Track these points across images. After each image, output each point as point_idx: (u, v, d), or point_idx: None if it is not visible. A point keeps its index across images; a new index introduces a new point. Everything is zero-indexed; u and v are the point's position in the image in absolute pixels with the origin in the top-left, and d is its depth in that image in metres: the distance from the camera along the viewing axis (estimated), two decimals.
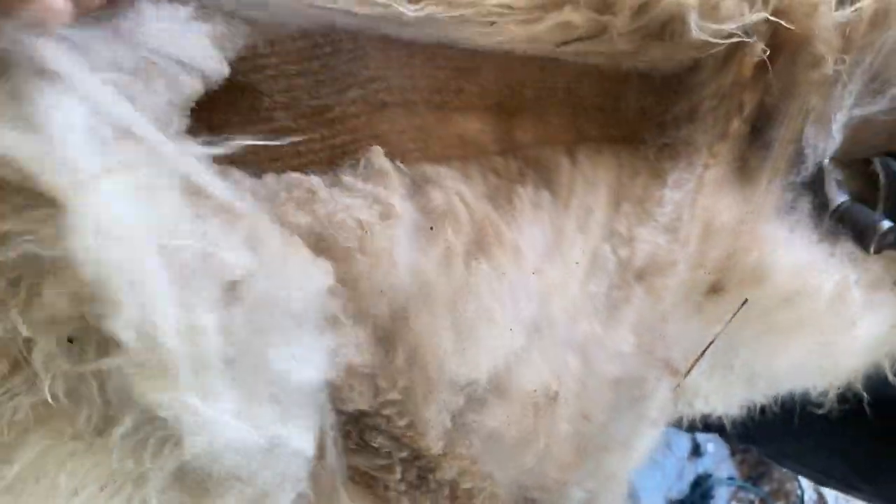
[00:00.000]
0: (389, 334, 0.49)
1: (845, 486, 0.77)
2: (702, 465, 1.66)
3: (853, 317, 0.62)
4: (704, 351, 0.62)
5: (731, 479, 1.67)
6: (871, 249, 0.58)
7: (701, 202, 0.57)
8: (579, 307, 0.56)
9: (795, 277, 0.59)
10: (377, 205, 0.50)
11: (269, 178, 0.49)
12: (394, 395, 0.49)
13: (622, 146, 0.60)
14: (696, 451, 1.66)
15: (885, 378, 0.69)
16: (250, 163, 0.48)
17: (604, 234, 0.57)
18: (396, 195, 0.50)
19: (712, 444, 1.66)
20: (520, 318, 0.53)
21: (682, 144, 0.60)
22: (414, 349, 0.49)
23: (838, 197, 0.60)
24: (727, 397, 0.74)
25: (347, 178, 0.50)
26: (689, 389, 0.71)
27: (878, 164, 0.61)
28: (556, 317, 0.55)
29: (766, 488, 1.71)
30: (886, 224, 0.59)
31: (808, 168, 0.59)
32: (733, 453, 1.69)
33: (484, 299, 0.51)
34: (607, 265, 0.56)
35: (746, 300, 0.59)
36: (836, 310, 0.61)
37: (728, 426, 0.86)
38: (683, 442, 1.63)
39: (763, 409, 0.80)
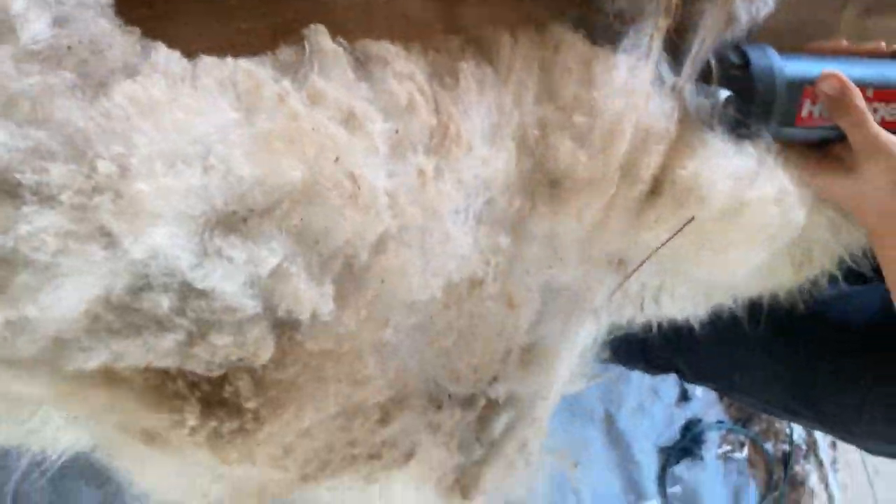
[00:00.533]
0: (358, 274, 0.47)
1: (789, 414, 0.80)
2: (690, 410, 1.67)
3: (789, 222, 0.61)
4: (645, 260, 0.61)
5: (720, 422, 1.68)
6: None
7: (634, 102, 0.56)
8: (514, 186, 0.55)
9: (730, 186, 0.58)
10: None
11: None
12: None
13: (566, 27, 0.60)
14: (684, 396, 1.67)
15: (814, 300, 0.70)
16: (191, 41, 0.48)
17: (535, 113, 0.55)
18: (368, 112, 0.47)
19: (700, 389, 1.67)
20: (469, 218, 0.52)
21: (627, 20, 0.60)
22: (382, 285, 0.48)
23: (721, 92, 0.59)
24: (676, 301, 0.75)
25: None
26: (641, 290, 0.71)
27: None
28: (497, 200, 0.54)
29: (756, 429, 1.72)
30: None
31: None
32: (721, 397, 1.70)
33: (446, 222, 0.50)
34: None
35: (693, 217, 0.58)
36: (770, 216, 0.60)
37: (682, 366, 0.87)
38: (671, 388, 1.64)
39: (710, 346, 0.81)
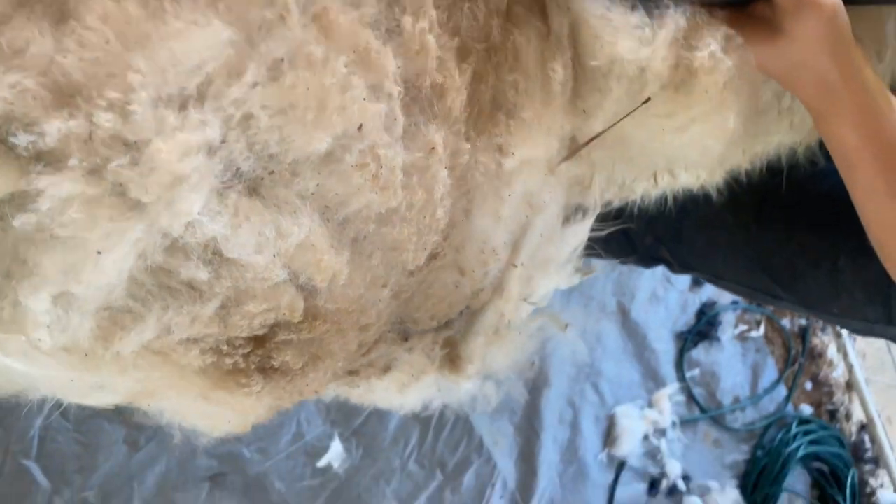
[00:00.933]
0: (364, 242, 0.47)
1: (771, 297, 0.78)
2: (704, 295, 1.67)
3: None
4: (591, 140, 0.57)
5: (735, 303, 1.68)
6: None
7: None
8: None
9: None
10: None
11: None
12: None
13: None
14: (698, 281, 1.66)
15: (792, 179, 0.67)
16: None
17: None
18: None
19: None
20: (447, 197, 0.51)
21: None
22: (385, 254, 0.48)
23: None
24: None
25: None
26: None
27: None
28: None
29: (771, 307, 1.72)
30: None
31: None
32: None
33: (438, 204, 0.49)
34: None
35: (649, 98, 0.53)
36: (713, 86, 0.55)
37: (667, 256, 0.86)
38: (682, 276, 1.63)
39: (692, 233, 0.80)
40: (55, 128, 0.32)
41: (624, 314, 1.57)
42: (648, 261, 0.87)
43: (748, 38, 0.51)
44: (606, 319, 1.57)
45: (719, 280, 0.83)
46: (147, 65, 0.33)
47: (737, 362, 1.68)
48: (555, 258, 0.67)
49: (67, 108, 0.32)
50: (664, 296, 1.61)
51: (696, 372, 1.63)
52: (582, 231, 0.70)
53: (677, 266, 0.85)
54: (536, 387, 1.47)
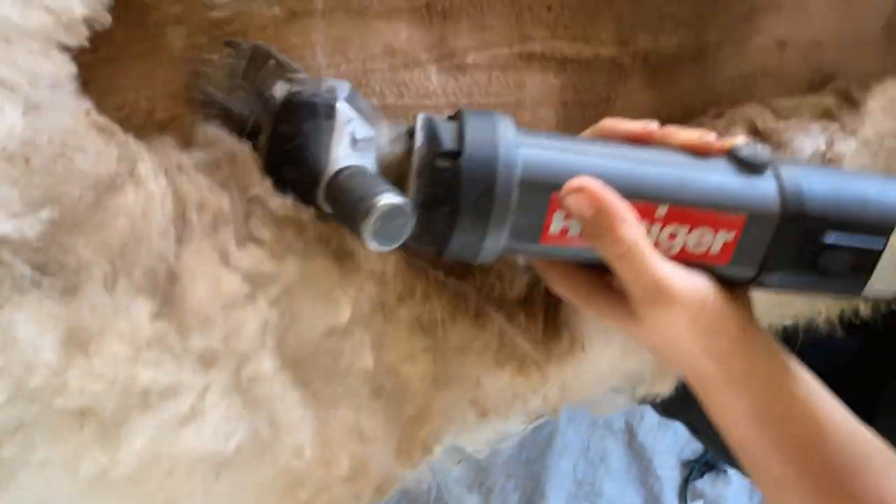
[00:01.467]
0: None
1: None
2: None
3: None
4: None
5: None
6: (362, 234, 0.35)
7: None
8: None
9: None
10: None
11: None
12: None
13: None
14: None
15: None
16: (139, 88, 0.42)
17: None
18: None
19: None
20: None
21: None
22: None
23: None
24: None
25: None
26: None
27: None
28: None
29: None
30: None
31: None
32: None
33: None
34: None
35: None
36: None
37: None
38: None
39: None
40: None
41: (631, 434, 1.52)
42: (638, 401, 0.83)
43: (604, 314, 0.43)
44: (612, 437, 1.51)
45: (698, 434, 0.79)
46: None
47: (744, 498, 1.60)
48: None
49: None
50: (673, 422, 1.55)
51: (699, 503, 1.56)
52: None
53: (661, 409, 0.82)
54: (532, 500, 1.41)
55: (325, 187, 0.39)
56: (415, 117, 0.40)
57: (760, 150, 0.41)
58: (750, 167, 0.40)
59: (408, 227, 0.36)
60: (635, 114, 0.57)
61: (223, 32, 0.45)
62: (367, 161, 0.39)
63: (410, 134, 0.40)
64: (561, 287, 0.44)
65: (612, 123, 0.42)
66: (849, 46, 0.57)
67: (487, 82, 0.52)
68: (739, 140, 0.41)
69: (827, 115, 0.52)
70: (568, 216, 0.39)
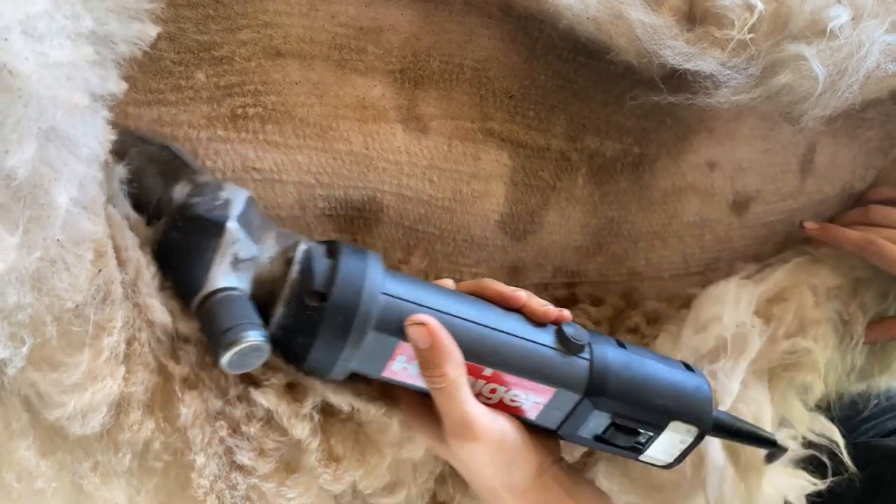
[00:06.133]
0: None
1: None
2: None
3: None
4: None
5: None
6: (220, 360, 0.39)
7: None
8: None
9: None
10: None
11: None
12: None
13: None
14: None
15: None
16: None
17: None
18: None
19: None
20: None
21: None
22: None
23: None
24: None
25: None
26: None
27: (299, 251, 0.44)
28: None
29: None
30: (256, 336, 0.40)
31: None
32: None
33: None
34: None
35: None
36: None
37: None
38: None
39: None
40: None
41: None
42: None
43: (426, 435, 0.48)
44: None
45: None
46: None
47: None
48: None
49: None
50: None
51: None
52: None
53: None
54: None
55: (198, 301, 0.42)
56: (296, 244, 0.45)
57: (581, 333, 0.48)
58: (570, 346, 0.47)
59: (262, 360, 0.40)
60: (577, 204, 0.61)
61: (210, 56, 0.48)
62: (243, 281, 0.43)
63: (288, 261, 0.44)
64: (402, 401, 0.49)
65: (488, 283, 0.49)
66: (769, 175, 0.64)
67: (447, 149, 0.56)
68: (567, 316, 0.48)
69: None
70: (410, 360, 0.45)
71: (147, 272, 0.42)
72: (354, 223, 0.55)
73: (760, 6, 0.48)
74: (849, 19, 0.47)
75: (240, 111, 0.49)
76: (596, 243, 0.63)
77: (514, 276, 0.62)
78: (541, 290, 0.64)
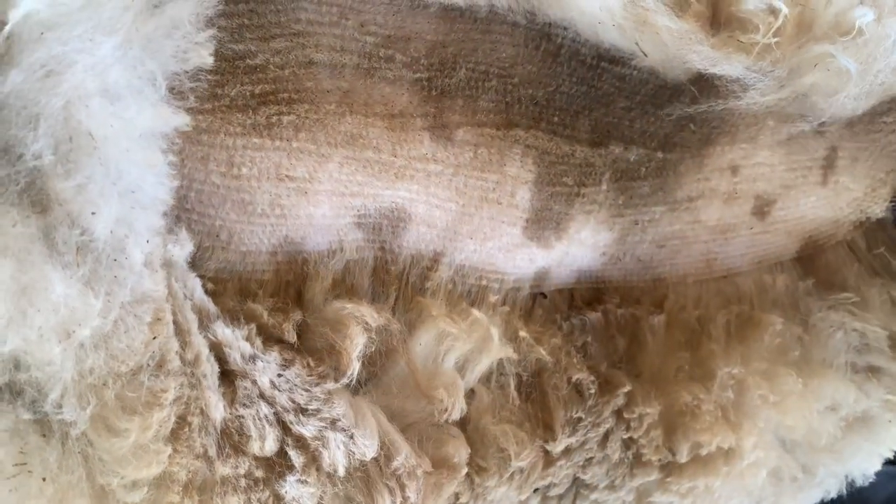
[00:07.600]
0: None
1: None
2: None
3: None
4: None
5: None
6: None
7: None
8: None
9: None
10: None
11: None
12: None
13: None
14: None
15: None
16: None
17: None
18: None
19: None
20: None
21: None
22: None
23: None
24: None
25: None
26: None
27: None
28: None
29: None
30: None
31: None
32: None
33: None
34: None
35: None
36: None
37: None
38: None
39: None
40: None
41: None
42: None
43: None
44: None
45: None
46: None
47: None
48: None
49: None
50: None
51: None
52: None
53: None
54: None
55: None
56: None
57: None
58: None
59: None
60: (601, 208, 0.62)
61: (244, 65, 0.49)
62: None
63: None
64: None
65: None
66: (790, 178, 0.64)
67: (473, 156, 0.56)
68: None
69: None
70: None
71: (208, 364, 0.41)
72: (383, 231, 0.55)
73: (785, 10, 0.49)
74: (874, 18, 0.48)
75: (274, 119, 0.49)
76: (620, 248, 0.64)
77: (540, 281, 0.63)
78: (566, 294, 0.64)
